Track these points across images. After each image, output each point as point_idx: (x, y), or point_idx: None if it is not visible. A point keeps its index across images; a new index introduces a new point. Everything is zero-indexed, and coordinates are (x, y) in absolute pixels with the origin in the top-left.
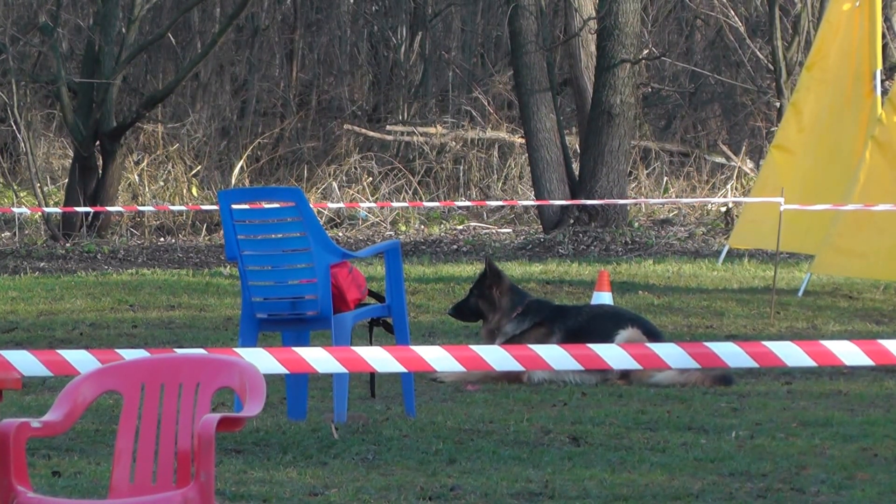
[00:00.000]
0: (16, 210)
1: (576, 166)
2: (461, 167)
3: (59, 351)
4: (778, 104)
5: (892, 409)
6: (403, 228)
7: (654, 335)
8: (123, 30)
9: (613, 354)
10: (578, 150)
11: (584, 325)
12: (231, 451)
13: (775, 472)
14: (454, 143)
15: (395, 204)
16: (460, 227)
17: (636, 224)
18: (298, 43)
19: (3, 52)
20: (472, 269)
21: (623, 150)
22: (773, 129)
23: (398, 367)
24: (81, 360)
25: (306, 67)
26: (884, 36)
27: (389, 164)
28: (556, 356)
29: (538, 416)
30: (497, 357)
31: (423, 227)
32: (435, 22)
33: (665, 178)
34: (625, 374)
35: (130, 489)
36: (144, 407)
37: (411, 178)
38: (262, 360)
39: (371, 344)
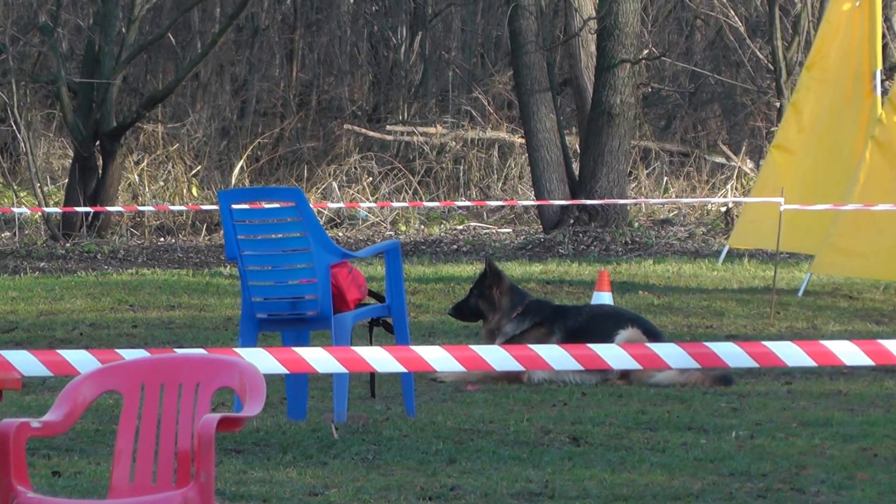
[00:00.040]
0: (16, 210)
1: (576, 166)
2: (461, 167)
3: (59, 351)
4: (778, 104)
5: (892, 409)
6: (403, 228)
7: (654, 335)
8: (123, 30)
9: (613, 354)
10: (578, 150)
11: (584, 325)
12: (231, 451)
13: (775, 472)
14: (454, 143)
15: (395, 204)
16: (460, 227)
17: (636, 224)
18: (298, 43)
19: (3, 52)
20: (472, 269)
21: (623, 150)
22: (773, 129)
23: (398, 367)
24: (81, 360)
25: (306, 67)
26: (884, 36)
27: (389, 164)
28: (556, 356)
29: (538, 416)
30: (497, 357)
31: (423, 227)
32: (435, 22)
33: (665, 178)
34: (625, 374)
35: (130, 489)
36: (144, 407)
37: (411, 178)
38: (262, 360)
39: (371, 344)
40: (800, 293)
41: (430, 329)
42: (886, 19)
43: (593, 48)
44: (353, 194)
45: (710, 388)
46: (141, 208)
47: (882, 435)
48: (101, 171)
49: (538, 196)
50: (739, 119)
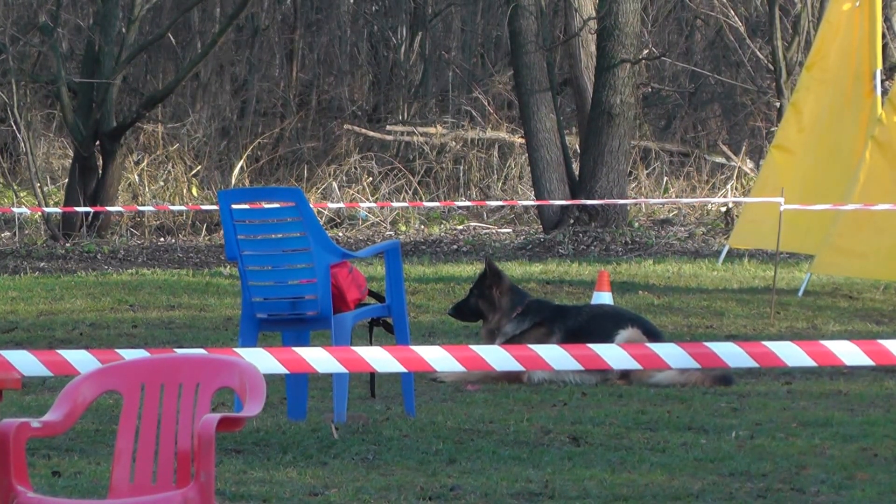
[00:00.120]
0: (16, 210)
1: (576, 166)
2: (461, 167)
3: (59, 351)
4: (778, 104)
5: (892, 409)
6: (403, 228)
7: (654, 335)
8: (123, 30)
9: (613, 354)
10: (578, 150)
11: (584, 325)
12: (231, 451)
13: (775, 472)
14: (454, 143)
15: (395, 204)
16: (460, 227)
17: (636, 224)
18: (298, 43)
19: (3, 52)
20: (472, 269)
21: (623, 150)
22: (773, 129)
23: (398, 367)
24: (81, 360)
25: (306, 67)
26: (884, 36)
27: (389, 164)
28: (556, 356)
29: (538, 416)
30: (497, 357)
31: (423, 227)
32: (435, 22)
33: (665, 178)
34: (625, 374)
35: (130, 489)
36: (144, 407)
37: (411, 178)
38: (262, 360)
39: (371, 344)
40: (800, 293)
41: (430, 329)
42: (886, 19)
43: (593, 48)
44: (353, 194)
45: (710, 388)
46: (141, 208)
47: (882, 435)
48: (101, 171)
49: (538, 196)
50: (739, 119)
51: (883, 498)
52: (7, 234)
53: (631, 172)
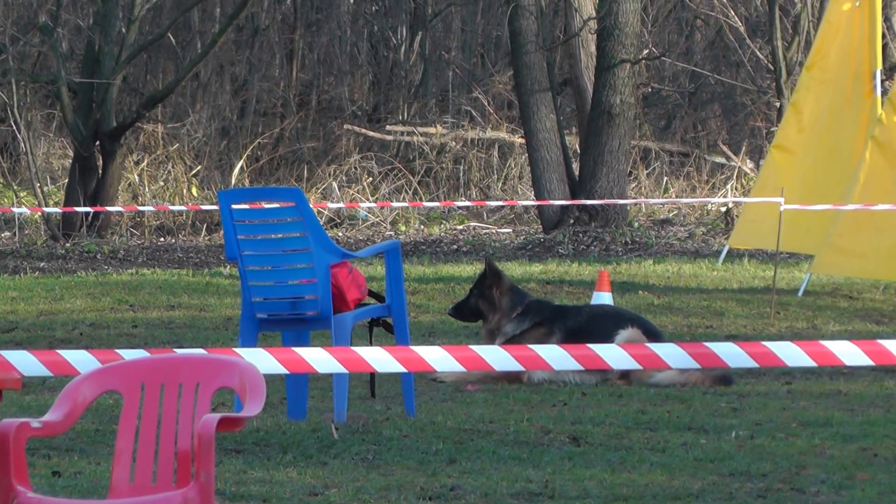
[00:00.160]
0: (16, 210)
1: (576, 166)
2: (461, 167)
3: (59, 351)
4: (778, 104)
5: (892, 409)
6: (403, 228)
7: (654, 335)
8: (123, 30)
9: (613, 354)
10: (578, 150)
11: (584, 325)
12: (231, 451)
13: (775, 472)
14: (454, 143)
15: (395, 204)
16: (460, 227)
17: (636, 224)
18: (298, 43)
19: (3, 52)
20: (472, 269)
21: (623, 150)
22: (773, 129)
23: (398, 367)
24: (81, 360)
25: (306, 67)
26: (884, 36)
27: (389, 164)
28: (556, 356)
29: (538, 416)
30: (497, 357)
31: (423, 227)
32: (435, 22)
33: (665, 178)
34: (625, 374)
35: (130, 489)
36: (144, 407)
37: (411, 178)
38: (262, 360)
39: (371, 344)
40: (800, 293)
41: (430, 329)
42: (886, 19)
43: (593, 48)
44: (353, 194)
45: (710, 388)
46: (141, 208)
47: (882, 435)
48: (101, 171)
49: (538, 196)
50: (739, 119)
51: (883, 498)
52: (7, 234)
53: (631, 172)
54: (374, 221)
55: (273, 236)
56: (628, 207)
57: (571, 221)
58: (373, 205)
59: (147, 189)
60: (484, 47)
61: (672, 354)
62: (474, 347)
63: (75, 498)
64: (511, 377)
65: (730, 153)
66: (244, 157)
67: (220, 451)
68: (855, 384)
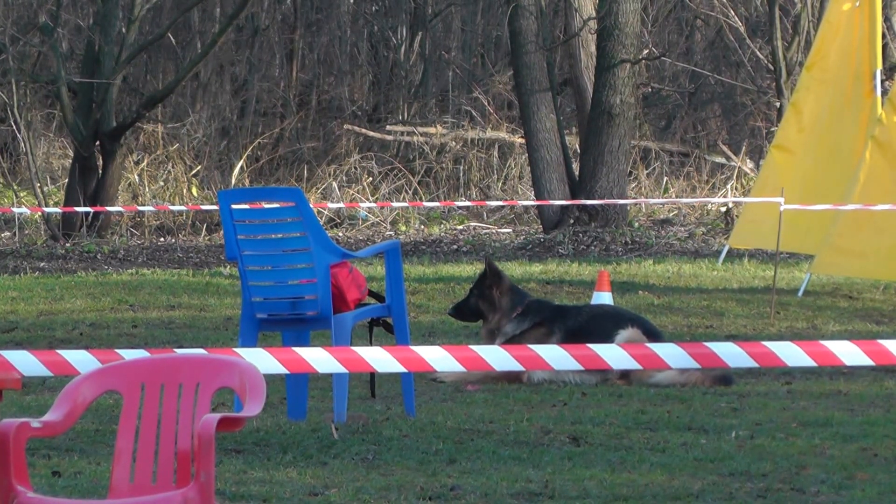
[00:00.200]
0: (16, 210)
1: (576, 166)
2: (461, 167)
3: (59, 351)
4: (778, 104)
5: (892, 409)
6: (403, 228)
7: (654, 335)
8: (123, 30)
9: (613, 354)
10: (578, 150)
11: (584, 325)
12: (231, 451)
13: (775, 472)
14: (454, 143)
15: (395, 204)
16: (460, 227)
17: (636, 224)
18: (298, 43)
19: (3, 52)
20: (472, 269)
21: (623, 150)
22: (773, 129)
23: (398, 367)
24: (81, 360)
25: (306, 67)
26: (884, 36)
27: (389, 164)
28: (556, 356)
29: (538, 416)
30: (497, 357)
31: (423, 227)
32: (435, 22)
33: (665, 178)
34: (625, 374)
35: (130, 489)
36: (144, 407)
37: (411, 178)
38: (262, 360)
39: (371, 344)
40: (800, 293)
41: (430, 329)
42: (886, 19)
43: (593, 48)
44: (353, 194)
45: (710, 388)
46: (141, 208)
47: (882, 435)
48: (101, 171)
49: (538, 196)
50: (739, 119)
51: (883, 498)
52: (7, 234)
53: (631, 172)
54: (374, 221)
55: (273, 236)
56: (628, 207)
57: (571, 221)
58: (373, 205)
59: (147, 189)
60: (484, 47)
61: (672, 354)
62: (474, 347)
63: (75, 498)
64: (511, 377)
65: (730, 153)
66: (244, 157)
67: (220, 451)
68: (855, 384)
